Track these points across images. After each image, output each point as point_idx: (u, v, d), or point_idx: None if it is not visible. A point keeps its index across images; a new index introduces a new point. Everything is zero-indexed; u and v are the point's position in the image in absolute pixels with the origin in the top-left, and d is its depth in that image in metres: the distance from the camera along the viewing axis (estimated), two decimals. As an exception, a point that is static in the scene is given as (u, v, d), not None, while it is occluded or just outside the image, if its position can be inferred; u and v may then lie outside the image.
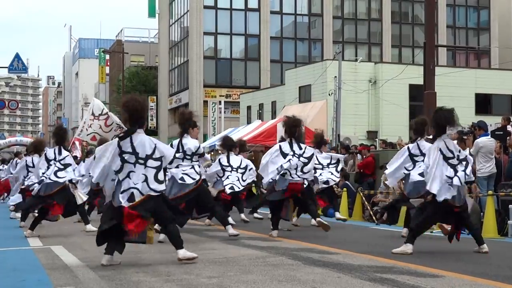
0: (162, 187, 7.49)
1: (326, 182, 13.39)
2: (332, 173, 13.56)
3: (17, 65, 33.65)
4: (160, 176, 7.45)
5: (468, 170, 8.66)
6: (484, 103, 35.36)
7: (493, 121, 23.21)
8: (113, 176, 7.37)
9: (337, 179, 13.87)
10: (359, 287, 5.91)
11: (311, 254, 8.32)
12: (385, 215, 12.85)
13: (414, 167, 10.06)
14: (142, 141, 7.44)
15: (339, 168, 13.78)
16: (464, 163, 8.63)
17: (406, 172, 10.10)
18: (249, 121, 38.47)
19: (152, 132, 56.23)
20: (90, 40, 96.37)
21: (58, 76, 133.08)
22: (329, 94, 32.31)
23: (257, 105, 42.65)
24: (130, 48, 61.24)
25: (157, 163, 7.44)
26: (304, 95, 36.82)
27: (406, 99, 34.26)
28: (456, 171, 8.48)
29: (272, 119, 33.31)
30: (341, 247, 9.07)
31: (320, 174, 13.34)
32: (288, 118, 11.07)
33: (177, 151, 10.16)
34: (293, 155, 10.75)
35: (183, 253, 7.50)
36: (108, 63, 75.47)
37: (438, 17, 47.15)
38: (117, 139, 7.49)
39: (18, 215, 16.82)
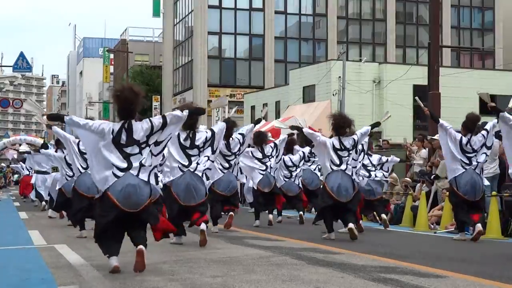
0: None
1: None
2: None
3: (22, 64, 33.66)
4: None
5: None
6: (488, 104, 35.33)
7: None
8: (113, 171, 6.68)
9: None
10: (363, 287, 5.91)
11: (314, 254, 8.31)
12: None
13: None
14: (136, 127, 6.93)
15: None
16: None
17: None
18: (253, 121, 38.42)
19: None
20: (95, 39, 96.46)
21: (62, 75, 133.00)
22: (333, 94, 32.33)
23: (261, 105, 42.59)
24: (134, 47, 61.24)
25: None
26: (308, 95, 36.83)
27: (410, 99, 34.21)
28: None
29: (276, 119, 33.27)
30: (345, 247, 9.06)
31: None
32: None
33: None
34: None
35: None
36: (113, 62, 75.50)
37: (443, 17, 46.95)
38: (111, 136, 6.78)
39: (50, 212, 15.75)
